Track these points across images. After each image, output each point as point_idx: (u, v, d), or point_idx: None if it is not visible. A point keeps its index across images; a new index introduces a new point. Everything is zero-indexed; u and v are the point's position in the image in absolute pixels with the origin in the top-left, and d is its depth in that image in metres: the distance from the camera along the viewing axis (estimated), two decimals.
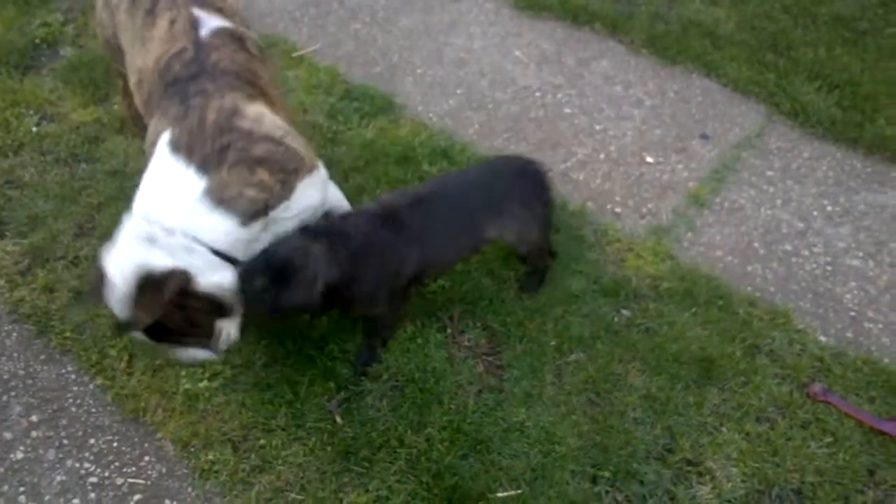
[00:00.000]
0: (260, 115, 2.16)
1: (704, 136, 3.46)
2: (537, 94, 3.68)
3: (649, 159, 3.36)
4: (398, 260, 2.30)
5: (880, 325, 2.76)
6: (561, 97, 3.66)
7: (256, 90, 2.27)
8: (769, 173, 3.32)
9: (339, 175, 3.18)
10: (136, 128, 2.85)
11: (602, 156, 3.38)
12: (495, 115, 3.55)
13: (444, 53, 3.87)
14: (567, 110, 3.60)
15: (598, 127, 3.51)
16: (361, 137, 3.35)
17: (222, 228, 2.06)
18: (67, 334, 2.67)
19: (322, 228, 2.20)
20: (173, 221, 2.03)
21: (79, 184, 3.14)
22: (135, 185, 3.05)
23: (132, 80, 2.36)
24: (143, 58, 2.27)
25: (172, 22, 2.27)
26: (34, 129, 3.37)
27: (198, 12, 2.30)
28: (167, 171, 2.06)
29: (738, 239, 3.05)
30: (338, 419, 2.45)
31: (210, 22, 2.30)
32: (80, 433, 2.46)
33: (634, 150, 3.40)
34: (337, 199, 2.56)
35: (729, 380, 2.57)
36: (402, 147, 3.31)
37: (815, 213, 3.14)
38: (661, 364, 2.59)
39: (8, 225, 3.01)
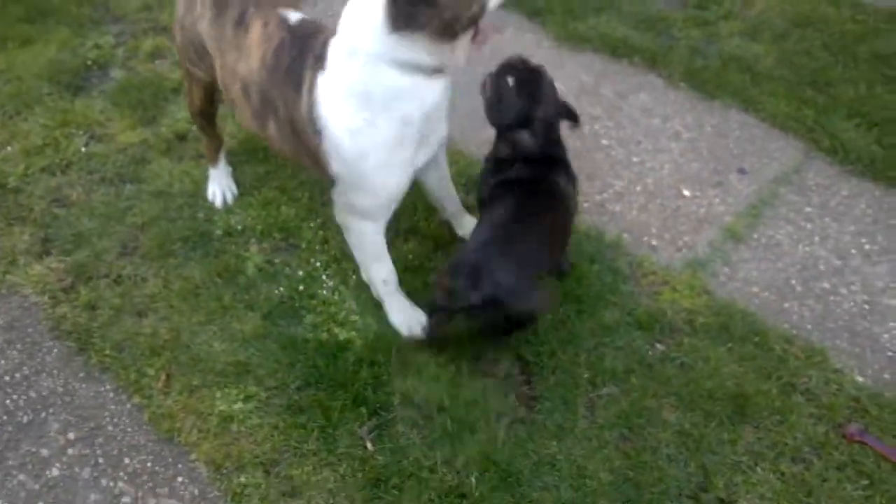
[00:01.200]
0: None
1: (742, 171, 3.45)
2: None
3: (686, 193, 3.36)
4: None
5: None
6: (598, 128, 3.68)
7: None
8: (807, 210, 3.29)
9: None
10: (203, 122, 3.12)
11: (639, 188, 3.38)
12: None
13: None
14: (604, 142, 3.61)
15: (635, 159, 3.51)
16: None
17: None
18: (107, 352, 2.72)
19: None
20: None
21: (124, 203, 3.21)
22: (179, 206, 3.17)
23: (234, 88, 2.54)
24: (245, 64, 2.46)
25: (265, 24, 2.45)
26: (83, 148, 3.46)
27: (283, 12, 2.48)
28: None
29: (775, 275, 3.03)
30: (369, 446, 2.46)
31: (294, 15, 2.48)
32: (115, 452, 2.50)
33: (671, 182, 3.40)
34: None
35: (764, 418, 2.54)
36: None
37: (853, 251, 3.11)
38: (695, 400, 2.58)
39: (53, 242, 3.09)
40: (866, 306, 2.91)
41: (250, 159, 3.42)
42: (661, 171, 3.46)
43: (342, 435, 2.49)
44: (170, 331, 2.77)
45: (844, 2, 4.46)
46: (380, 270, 2.74)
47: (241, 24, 2.49)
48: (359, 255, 2.76)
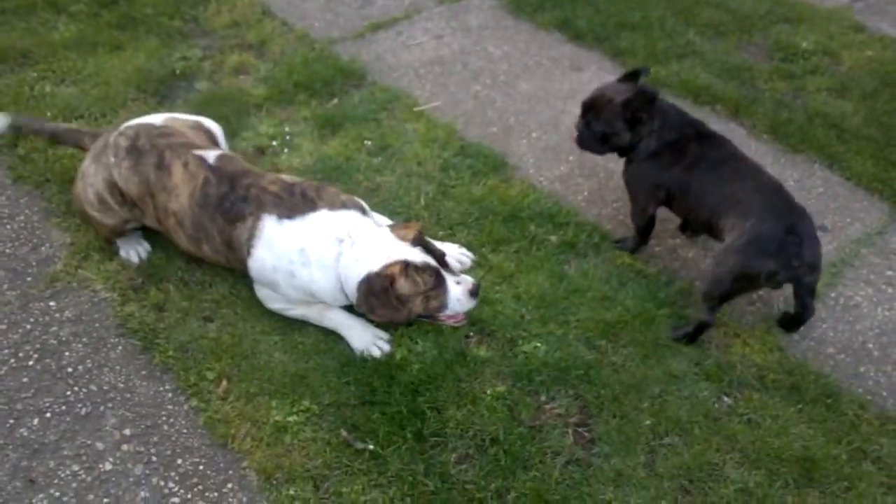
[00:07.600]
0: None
1: (823, 228, 3.35)
2: None
3: None
4: None
5: None
6: None
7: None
8: (888, 273, 3.18)
9: (446, 228, 3.21)
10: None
11: None
12: (606, 185, 3.53)
13: (560, 120, 3.89)
14: None
15: None
16: (471, 194, 3.38)
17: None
18: (171, 353, 2.75)
19: None
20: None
21: None
22: None
23: (169, 221, 2.85)
24: (175, 202, 2.80)
25: (185, 165, 2.80)
26: None
27: (198, 152, 2.85)
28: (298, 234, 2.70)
29: (852, 337, 2.92)
30: (420, 471, 2.42)
31: (209, 154, 2.85)
32: (168, 452, 2.51)
33: None
34: None
35: (831, 483, 2.43)
36: (511, 207, 3.32)
37: None
38: (760, 458, 2.48)
39: None
40: None
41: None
42: None
43: (393, 458, 2.45)
44: (233, 337, 2.79)
45: None
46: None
47: (162, 167, 2.81)
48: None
